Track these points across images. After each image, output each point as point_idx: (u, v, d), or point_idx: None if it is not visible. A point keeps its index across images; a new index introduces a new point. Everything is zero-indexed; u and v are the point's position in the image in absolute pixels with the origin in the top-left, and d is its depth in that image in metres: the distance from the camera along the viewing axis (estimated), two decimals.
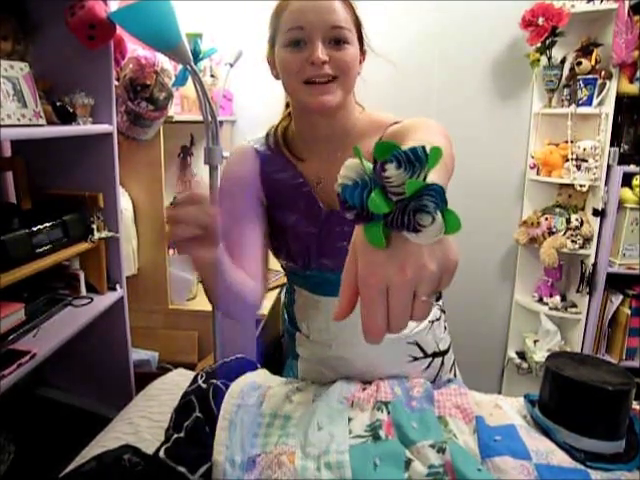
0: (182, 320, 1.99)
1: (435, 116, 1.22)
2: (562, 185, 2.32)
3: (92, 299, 1.55)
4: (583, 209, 2.32)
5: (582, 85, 2.12)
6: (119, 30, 1.44)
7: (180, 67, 1.60)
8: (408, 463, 0.88)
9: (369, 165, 0.42)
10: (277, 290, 2.14)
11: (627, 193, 2.14)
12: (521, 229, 2.38)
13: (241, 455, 0.92)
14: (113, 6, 1.44)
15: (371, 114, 1.00)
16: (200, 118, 1.61)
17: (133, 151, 1.76)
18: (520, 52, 2.26)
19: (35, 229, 1.36)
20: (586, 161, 2.16)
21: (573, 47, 2.20)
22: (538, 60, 2.21)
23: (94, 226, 1.52)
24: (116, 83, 1.56)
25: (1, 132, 1.11)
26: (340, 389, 1.08)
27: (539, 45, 2.16)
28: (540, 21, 2.08)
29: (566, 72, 2.22)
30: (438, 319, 1.16)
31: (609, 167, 2.14)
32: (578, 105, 2.15)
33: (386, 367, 1.11)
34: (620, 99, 2.09)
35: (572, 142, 2.17)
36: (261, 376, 1.19)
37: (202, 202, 0.67)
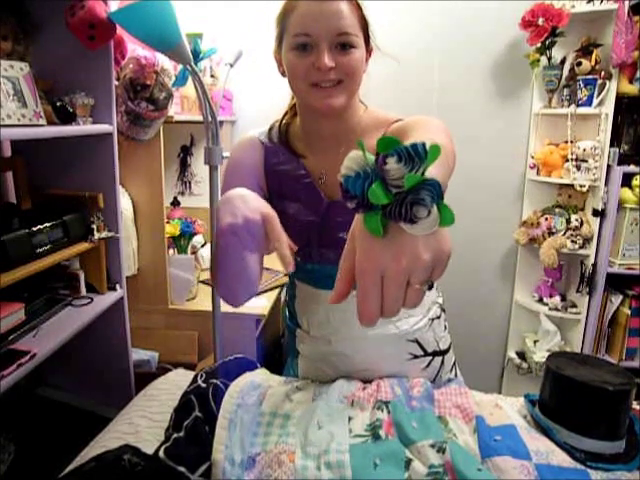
0: (182, 320, 1.99)
1: (435, 116, 1.22)
2: (562, 185, 2.32)
3: (92, 299, 1.55)
4: (583, 209, 2.32)
5: (582, 85, 2.12)
6: (119, 30, 1.44)
7: (180, 67, 1.60)
8: (408, 463, 0.89)
9: (371, 158, 0.44)
10: (277, 290, 2.14)
11: (627, 193, 2.14)
12: (521, 229, 2.38)
13: (241, 454, 0.92)
14: (113, 6, 1.44)
15: (374, 112, 1.01)
16: (200, 118, 1.61)
17: (133, 151, 1.76)
18: (520, 52, 2.26)
19: (35, 229, 1.36)
20: (586, 161, 2.16)
21: (573, 47, 2.20)
22: (538, 60, 2.21)
23: (94, 226, 1.52)
24: (116, 83, 1.56)
25: (1, 132, 1.11)
26: (340, 388, 1.08)
27: (539, 45, 2.16)
28: (540, 21, 2.08)
29: (566, 72, 2.22)
30: (438, 317, 1.16)
31: (609, 167, 2.14)
32: (578, 105, 2.15)
33: (386, 364, 1.11)
34: (620, 99, 2.09)
35: (572, 142, 2.17)
36: (261, 376, 1.19)
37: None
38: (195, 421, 0.97)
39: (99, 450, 0.98)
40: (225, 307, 1.77)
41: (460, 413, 1.03)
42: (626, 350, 2.27)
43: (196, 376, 1.12)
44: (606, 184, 2.15)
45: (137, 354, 1.85)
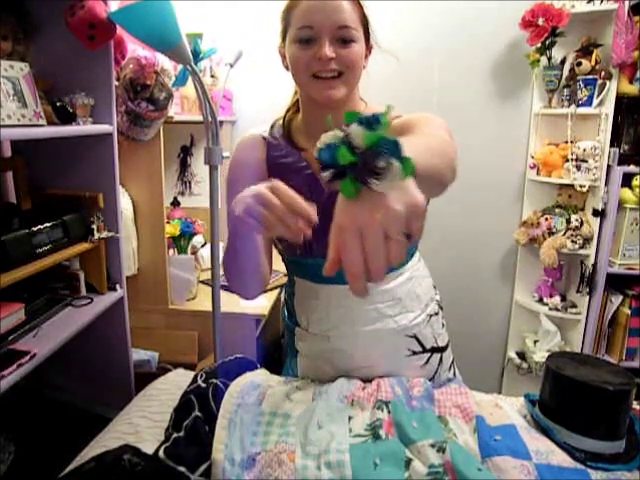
0: (182, 320, 1.99)
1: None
2: (562, 185, 2.32)
3: (92, 299, 1.55)
4: (583, 209, 2.32)
5: (582, 85, 2.12)
6: (119, 30, 1.44)
7: (180, 67, 1.60)
8: (408, 462, 0.89)
9: (339, 132, 0.52)
10: (277, 290, 2.14)
11: (627, 193, 2.14)
12: (521, 229, 2.39)
13: (241, 454, 0.93)
14: (113, 6, 1.44)
15: (374, 109, 1.04)
16: (200, 118, 1.61)
17: (133, 151, 1.76)
18: (520, 52, 2.26)
19: (35, 229, 1.36)
20: (586, 161, 2.16)
21: (573, 47, 2.20)
22: (538, 60, 2.21)
23: (94, 226, 1.52)
24: (116, 83, 1.56)
25: (1, 132, 1.11)
26: (340, 388, 1.08)
27: (539, 45, 2.16)
28: (540, 21, 2.08)
29: (566, 72, 2.22)
30: (436, 314, 1.17)
31: (609, 167, 2.14)
32: (578, 105, 2.15)
33: (385, 361, 1.11)
34: (620, 99, 2.09)
35: (572, 142, 2.17)
36: (261, 375, 1.20)
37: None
38: (195, 421, 0.97)
39: (99, 450, 0.98)
40: (225, 307, 1.77)
41: (460, 413, 1.03)
42: (626, 350, 2.27)
43: (196, 376, 1.12)
44: (606, 184, 2.15)
45: (137, 354, 1.85)
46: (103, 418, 1.23)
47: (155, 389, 1.29)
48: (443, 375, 1.19)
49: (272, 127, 1.10)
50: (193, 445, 0.93)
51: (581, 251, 2.23)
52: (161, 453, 0.90)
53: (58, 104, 1.33)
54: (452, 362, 1.24)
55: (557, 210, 2.33)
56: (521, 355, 2.51)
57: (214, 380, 1.08)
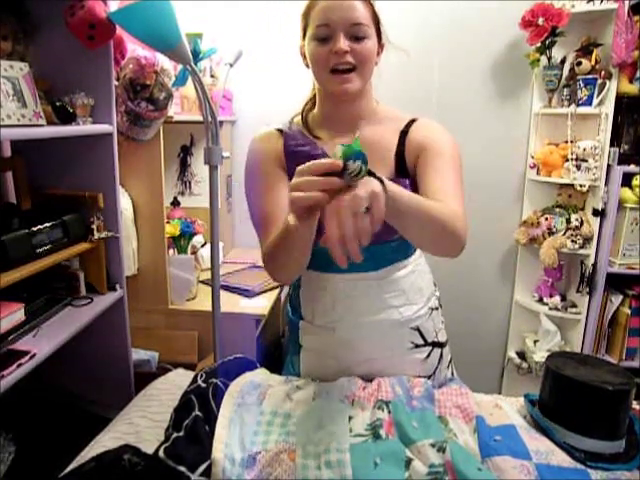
0: (182, 320, 1.99)
1: (435, 116, 1.23)
2: (562, 185, 2.32)
3: (92, 299, 1.55)
4: (583, 209, 2.32)
5: (582, 85, 2.12)
6: (119, 30, 1.43)
7: (180, 67, 1.60)
8: (408, 462, 0.89)
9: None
10: (277, 290, 2.14)
11: (627, 193, 2.14)
12: (521, 229, 2.39)
13: (241, 453, 0.93)
14: (113, 6, 1.44)
15: (386, 107, 1.14)
16: (200, 118, 1.61)
17: (133, 151, 1.76)
18: (520, 52, 2.26)
19: (35, 229, 1.36)
20: (586, 161, 2.16)
21: (573, 47, 2.20)
22: (538, 60, 2.21)
23: (94, 226, 1.52)
24: (116, 83, 1.56)
25: (1, 132, 1.11)
26: (341, 388, 1.08)
27: (539, 45, 2.16)
28: (540, 21, 2.08)
29: (566, 72, 2.22)
30: (437, 308, 1.21)
31: (609, 167, 2.14)
32: (578, 105, 2.15)
33: (388, 354, 1.13)
34: (620, 99, 2.09)
35: (572, 142, 2.17)
36: (261, 375, 1.20)
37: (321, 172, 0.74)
38: (195, 420, 0.97)
39: (99, 450, 0.98)
40: (225, 307, 1.77)
41: (460, 413, 1.03)
42: (626, 350, 2.27)
43: (196, 376, 1.12)
44: (606, 184, 2.15)
45: (137, 354, 1.85)
46: (103, 418, 1.23)
47: (155, 389, 1.29)
48: (442, 372, 1.21)
49: (290, 122, 1.17)
50: (193, 445, 0.93)
51: (581, 251, 2.23)
52: (161, 453, 0.90)
53: (58, 104, 1.33)
54: (450, 361, 1.26)
55: (557, 210, 2.33)
56: (521, 355, 2.51)
57: (214, 380, 1.08)
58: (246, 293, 2.06)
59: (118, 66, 1.60)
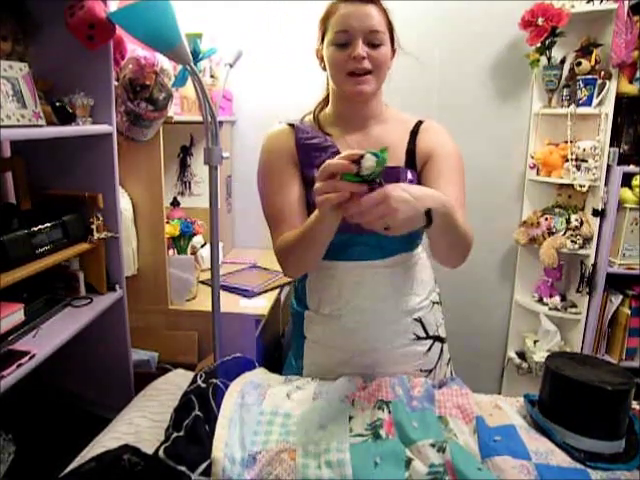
0: (182, 320, 1.99)
1: (435, 116, 1.24)
2: (562, 185, 2.32)
3: (92, 299, 1.55)
4: (583, 209, 2.32)
5: (582, 85, 2.12)
6: (119, 30, 1.43)
7: (180, 67, 1.60)
8: (408, 462, 0.89)
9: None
10: (277, 290, 2.14)
11: (627, 193, 2.14)
12: (521, 229, 2.38)
13: (241, 452, 0.93)
14: (113, 6, 1.44)
15: (392, 110, 1.21)
16: (200, 118, 1.61)
17: (133, 151, 1.76)
18: (520, 52, 2.26)
19: (35, 229, 1.36)
20: (586, 161, 2.16)
21: (573, 47, 2.20)
22: (538, 60, 2.21)
23: (94, 226, 1.52)
24: (115, 83, 1.56)
25: (1, 132, 1.11)
26: (341, 388, 1.08)
27: (539, 45, 2.16)
28: (540, 21, 2.08)
29: (566, 72, 2.22)
30: (438, 303, 1.24)
31: (609, 167, 2.14)
32: (578, 105, 2.15)
33: (392, 344, 1.15)
34: (620, 99, 2.09)
35: (572, 142, 2.17)
36: (261, 375, 1.20)
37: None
38: (195, 420, 0.97)
39: (99, 450, 0.98)
40: (225, 307, 1.77)
41: (460, 413, 1.03)
42: (626, 350, 2.27)
43: (196, 376, 1.12)
44: (606, 184, 2.15)
45: (137, 354, 1.85)
46: (103, 418, 1.23)
47: (155, 389, 1.29)
48: (442, 369, 1.23)
49: (301, 120, 1.21)
50: (193, 444, 0.93)
51: (581, 251, 2.23)
52: (161, 453, 0.90)
53: (57, 104, 1.33)
54: (450, 359, 1.28)
55: (557, 210, 2.33)
56: (521, 355, 2.51)
57: (214, 380, 1.08)
58: (246, 293, 2.06)
59: (118, 66, 1.60)
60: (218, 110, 1.74)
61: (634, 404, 1.07)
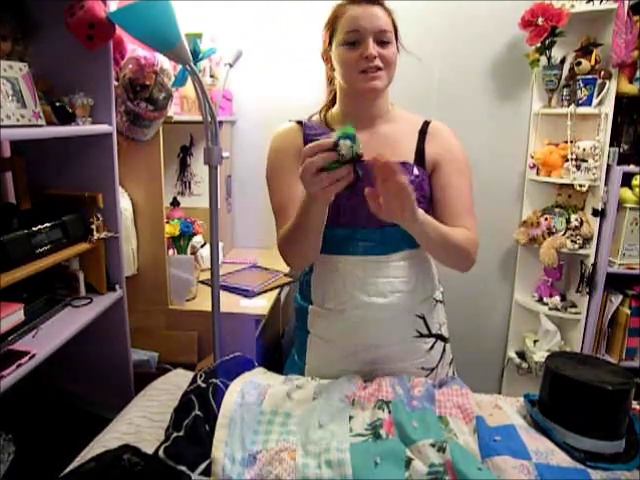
0: (182, 320, 1.99)
1: (435, 116, 1.24)
2: (562, 185, 2.32)
3: (91, 299, 1.55)
4: (583, 209, 2.32)
5: (582, 85, 2.12)
6: (118, 30, 1.44)
7: (179, 67, 1.60)
8: (408, 462, 0.89)
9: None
10: (277, 290, 2.14)
11: (627, 193, 2.14)
12: (521, 229, 2.38)
13: (241, 452, 0.93)
14: (113, 6, 1.44)
15: (399, 109, 1.24)
16: (200, 118, 1.61)
17: (133, 151, 1.76)
18: (520, 52, 2.26)
19: (34, 229, 1.36)
20: (586, 161, 2.16)
21: (573, 47, 2.20)
22: (538, 60, 2.21)
23: (94, 226, 1.52)
24: (115, 83, 1.56)
25: (1, 132, 1.11)
26: (341, 387, 1.08)
27: (539, 45, 2.16)
28: (540, 21, 2.08)
29: (566, 72, 2.22)
30: (441, 302, 1.26)
31: (609, 167, 2.14)
32: (578, 105, 2.15)
33: (394, 340, 1.16)
34: (620, 99, 2.09)
35: (572, 142, 2.17)
36: (260, 375, 1.20)
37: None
38: (195, 420, 0.98)
39: (99, 450, 0.98)
40: (225, 307, 1.77)
41: (461, 413, 1.03)
42: (626, 350, 2.27)
43: (195, 376, 1.12)
44: (606, 184, 2.14)
45: (137, 354, 1.85)
46: (103, 418, 1.23)
47: (155, 389, 1.29)
48: (444, 369, 1.23)
49: (309, 119, 1.24)
50: (193, 444, 0.93)
51: (581, 251, 2.23)
52: (161, 452, 0.90)
53: (57, 104, 1.33)
54: (452, 360, 1.28)
55: (557, 210, 2.33)
56: (521, 355, 2.51)
57: (214, 380, 1.08)
58: (246, 293, 2.06)
59: (118, 66, 1.60)
60: (218, 110, 1.74)
61: (634, 404, 1.07)
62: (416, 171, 1.13)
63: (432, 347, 1.20)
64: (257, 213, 2.58)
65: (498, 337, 2.63)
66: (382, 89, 1.13)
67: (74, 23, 1.35)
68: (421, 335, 1.18)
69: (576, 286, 2.31)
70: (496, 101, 2.41)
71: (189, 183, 2.39)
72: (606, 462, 0.93)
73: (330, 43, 1.15)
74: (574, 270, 2.36)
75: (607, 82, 2.08)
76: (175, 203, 2.37)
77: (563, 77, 2.23)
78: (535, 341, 2.44)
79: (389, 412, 1.00)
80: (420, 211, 0.96)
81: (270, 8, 2.40)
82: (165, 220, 1.96)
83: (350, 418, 1.00)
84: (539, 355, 2.33)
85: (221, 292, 1.70)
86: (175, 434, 0.95)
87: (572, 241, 2.22)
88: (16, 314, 1.31)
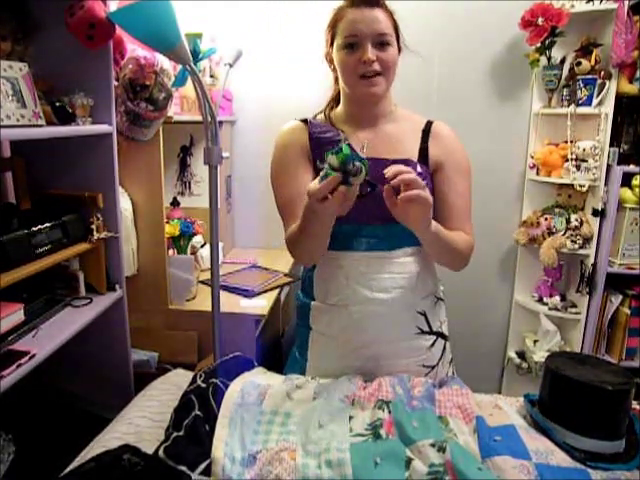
0: (182, 320, 1.99)
1: (435, 116, 1.24)
2: (562, 185, 2.32)
3: (91, 299, 1.55)
4: (583, 209, 2.32)
5: (582, 85, 2.12)
6: (118, 30, 1.43)
7: (179, 67, 1.60)
8: (408, 462, 0.89)
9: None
10: (277, 290, 2.14)
11: (627, 193, 2.14)
12: (521, 229, 2.38)
13: (241, 452, 0.93)
14: (113, 6, 1.44)
15: (401, 109, 1.25)
16: (200, 118, 1.61)
17: (133, 151, 1.76)
18: (520, 52, 2.26)
19: (34, 229, 1.36)
20: (586, 161, 2.16)
21: (573, 47, 2.20)
22: (538, 60, 2.21)
23: (93, 226, 1.52)
24: (115, 83, 1.56)
25: (0, 132, 1.11)
26: (341, 387, 1.08)
27: (539, 45, 2.16)
28: (540, 21, 2.08)
29: (566, 72, 2.22)
30: (442, 300, 1.27)
31: (609, 167, 2.14)
32: (578, 105, 2.15)
33: (396, 336, 1.17)
34: (619, 99, 2.09)
35: (572, 142, 2.17)
36: (260, 375, 1.20)
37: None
38: (195, 420, 0.98)
39: (99, 450, 0.98)
40: (225, 307, 1.77)
41: (461, 413, 1.03)
42: (626, 350, 2.27)
43: (195, 376, 1.12)
44: (606, 184, 2.14)
45: (137, 354, 1.85)
46: (103, 418, 1.23)
47: (155, 389, 1.29)
48: (445, 367, 1.24)
49: (314, 117, 1.26)
50: (193, 444, 0.93)
51: (581, 251, 2.23)
52: (161, 452, 0.90)
53: (57, 104, 1.33)
54: (452, 360, 1.29)
55: (557, 210, 2.33)
56: (521, 355, 2.51)
57: (214, 380, 1.08)
58: (246, 293, 2.06)
59: (118, 66, 1.60)
60: (218, 110, 1.74)
61: (634, 404, 1.07)
62: (419, 169, 1.15)
63: (433, 344, 1.21)
64: (257, 213, 2.58)
65: (498, 337, 2.63)
66: (381, 94, 1.14)
67: (74, 23, 1.35)
68: (422, 332, 1.19)
69: (576, 286, 2.31)
70: (496, 101, 2.41)
71: (189, 183, 2.39)
72: (606, 462, 0.93)
73: (332, 44, 1.16)
74: (574, 270, 2.36)
75: (607, 82, 2.08)
76: (175, 203, 2.37)
77: (563, 77, 2.23)
78: (535, 341, 2.44)
79: (389, 412, 1.00)
80: (433, 221, 1.00)
81: (270, 8, 2.40)
82: (165, 220, 1.96)
83: (350, 418, 1.00)
84: (539, 355, 2.33)
85: (221, 292, 1.70)
86: (175, 434, 0.95)
87: (572, 241, 2.22)
88: (16, 314, 1.31)
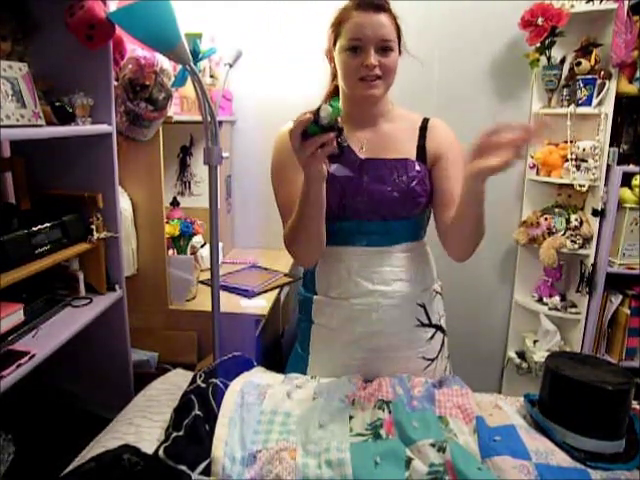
0: (182, 320, 1.99)
1: (434, 116, 1.24)
2: (562, 185, 2.32)
3: (91, 299, 1.55)
4: (583, 209, 2.32)
5: (581, 85, 2.12)
6: (118, 30, 1.43)
7: (179, 67, 1.60)
8: (408, 462, 0.89)
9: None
10: (277, 290, 2.14)
11: (626, 193, 2.14)
12: (521, 229, 2.38)
13: (241, 451, 0.93)
14: (112, 6, 1.44)
15: (398, 108, 1.27)
16: (200, 118, 1.61)
17: (132, 151, 1.76)
18: (520, 52, 2.26)
19: (34, 229, 1.36)
20: (585, 161, 2.16)
21: (572, 47, 2.20)
22: (538, 60, 2.21)
23: (93, 226, 1.52)
24: (115, 83, 1.56)
25: (0, 132, 1.11)
26: (341, 387, 1.09)
27: (538, 45, 2.16)
28: (539, 21, 2.08)
29: (565, 72, 2.22)
30: (440, 294, 1.29)
31: (608, 167, 2.14)
32: (577, 105, 2.15)
33: (397, 328, 1.18)
34: (619, 99, 2.09)
35: (572, 142, 2.17)
36: (260, 375, 1.20)
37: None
38: (195, 420, 0.98)
39: (99, 450, 0.98)
40: (225, 307, 1.77)
41: (461, 413, 1.03)
42: (626, 350, 2.27)
43: (195, 376, 1.12)
44: (606, 184, 2.14)
45: (137, 354, 1.85)
46: (103, 418, 1.23)
47: (155, 389, 1.29)
48: (443, 361, 1.26)
49: None
50: (193, 444, 0.93)
51: (581, 251, 2.23)
52: (161, 452, 0.90)
53: (57, 104, 1.33)
54: (449, 356, 1.31)
55: (557, 210, 2.33)
56: (521, 355, 2.51)
57: (214, 380, 1.08)
58: (246, 293, 2.06)
59: (117, 66, 1.60)
60: (218, 110, 1.74)
61: (634, 404, 1.07)
62: (418, 167, 1.17)
63: (432, 337, 1.23)
64: (257, 213, 2.58)
65: (498, 337, 2.63)
66: (379, 97, 1.16)
67: (74, 23, 1.35)
68: (422, 324, 1.21)
69: (576, 286, 2.31)
70: (496, 101, 2.41)
71: (189, 183, 2.39)
72: (606, 462, 0.94)
73: (335, 43, 1.17)
74: (574, 270, 2.36)
75: (607, 82, 2.08)
76: (175, 203, 2.37)
77: (563, 77, 2.23)
78: (535, 341, 2.44)
79: (389, 412, 1.00)
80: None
81: (270, 8, 2.40)
82: (165, 220, 1.96)
83: (350, 418, 1.01)
84: (539, 355, 2.33)
85: (221, 292, 1.70)
86: (175, 434, 0.95)
87: (572, 241, 2.22)
88: (16, 314, 1.31)
